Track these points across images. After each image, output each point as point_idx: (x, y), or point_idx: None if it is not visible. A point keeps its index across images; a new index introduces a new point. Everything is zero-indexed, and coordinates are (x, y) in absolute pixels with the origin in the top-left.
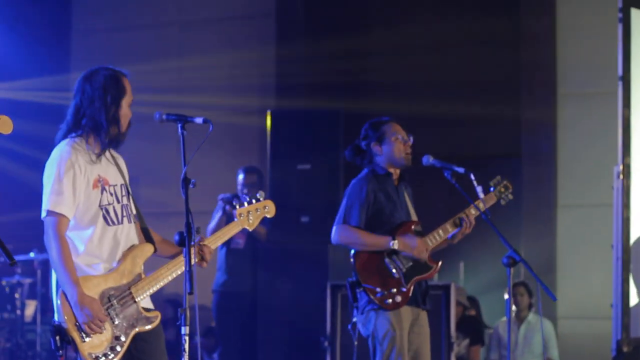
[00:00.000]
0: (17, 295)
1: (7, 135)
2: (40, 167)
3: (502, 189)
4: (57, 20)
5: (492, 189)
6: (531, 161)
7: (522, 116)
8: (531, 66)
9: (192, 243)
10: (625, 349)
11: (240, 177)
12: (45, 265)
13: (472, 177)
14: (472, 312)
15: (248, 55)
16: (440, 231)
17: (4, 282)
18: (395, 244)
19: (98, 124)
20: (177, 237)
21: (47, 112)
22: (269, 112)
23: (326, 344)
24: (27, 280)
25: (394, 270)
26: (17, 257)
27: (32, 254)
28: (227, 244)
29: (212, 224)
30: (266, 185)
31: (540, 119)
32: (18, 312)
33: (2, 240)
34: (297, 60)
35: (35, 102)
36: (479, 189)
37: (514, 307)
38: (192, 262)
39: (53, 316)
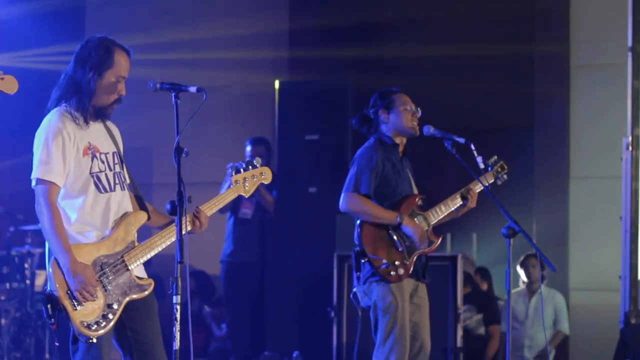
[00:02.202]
0: (26, 265)
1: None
2: None
3: (499, 169)
4: None
5: (489, 168)
6: (543, 133)
7: (535, 88)
8: (543, 38)
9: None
10: (633, 321)
11: (248, 148)
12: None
13: (472, 147)
14: (484, 286)
15: (260, 27)
16: (442, 206)
17: (13, 252)
18: (402, 221)
19: (78, 89)
20: (168, 206)
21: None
22: (277, 83)
23: (333, 314)
24: (37, 250)
25: (399, 243)
26: (28, 227)
27: None
28: (235, 214)
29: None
30: (274, 156)
31: (553, 91)
32: (28, 282)
33: None
34: (309, 30)
35: (47, 70)
36: (480, 159)
37: (525, 279)
38: (184, 231)
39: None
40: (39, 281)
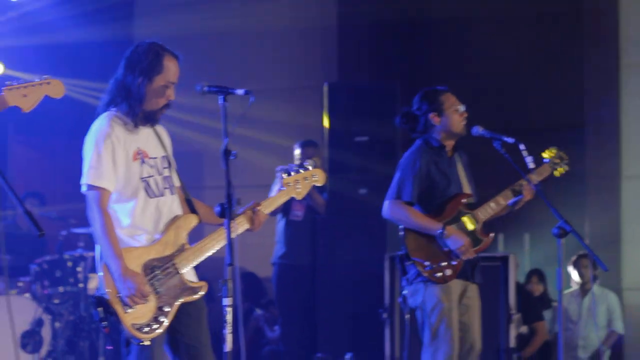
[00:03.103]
0: (79, 269)
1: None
2: None
3: (557, 160)
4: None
5: (546, 160)
6: (595, 132)
7: (586, 87)
8: (594, 37)
9: (233, 214)
10: None
11: (297, 151)
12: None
13: (522, 147)
14: (540, 289)
15: (309, 28)
16: (492, 204)
17: (66, 256)
18: (444, 234)
19: (128, 94)
20: (218, 209)
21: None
22: (326, 85)
23: (385, 315)
24: (90, 254)
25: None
26: (80, 230)
27: None
28: (286, 216)
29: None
30: (324, 158)
31: (604, 90)
32: (81, 285)
33: (30, 211)
34: (358, 33)
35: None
36: (529, 159)
37: (578, 279)
38: (235, 233)
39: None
40: (92, 284)
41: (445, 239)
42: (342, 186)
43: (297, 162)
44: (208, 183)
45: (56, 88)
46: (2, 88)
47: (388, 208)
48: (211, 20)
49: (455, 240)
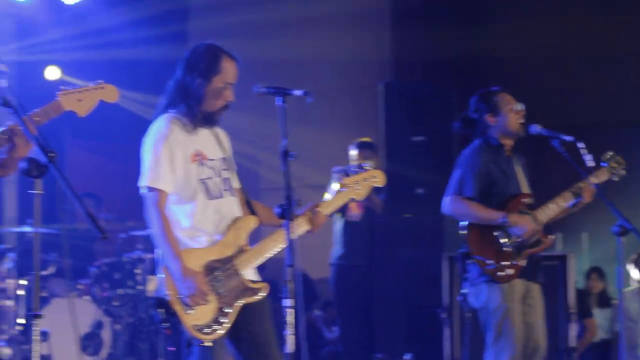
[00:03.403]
0: (138, 271)
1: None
2: None
3: (615, 165)
4: (175, 3)
5: (604, 164)
6: None
7: None
8: None
9: (294, 214)
10: None
11: (354, 152)
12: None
13: (580, 145)
14: (600, 286)
15: (363, 28)
16: (552, 205)
17: (125, 259)
18: (507, 222)
19: (187, 95)
20: (278, 210)
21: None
22: (383, 85)
23: (443, 315)
24: (148, 256)
25: (506, 243)
26: (138, 233)
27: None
28: (344, 216)
29: (328, 196)
30: (381, 158)
31: None
32: (140, 287)
33: (92, 213)
34: (412, 33)
35: (154, 79)
36: (588, 158)
37: (638, 278)
38: (295, 235)
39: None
40: (151, 286)
41: (509, 227)
42: (399, 186)
43: (353, 162)
44: (262, 185)
45: (110, 93)
46: (57, 93)
47: (449, 203)
48: (264, 21)
49: (521, 226)
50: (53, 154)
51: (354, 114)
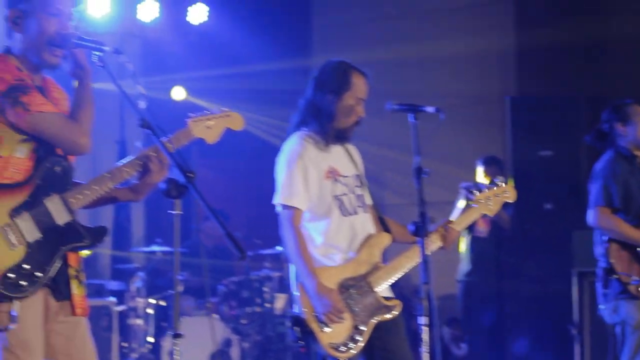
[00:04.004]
0: (266, 289)
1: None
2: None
3: None
4: (298, 18)
5: None
6: None
7: None
8: None
9: (427, 232)
10: None
11: (480, 167)
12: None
13: None
14: None
15: (486, 42)
16: None
17: (253, 277)
18: None
19: (318, 113)
20: (412, 228)
21: (288, 98)
22: (508, 99)
23: (574, 332)
24: (276, 274)
25: None
26: (265, 252)
27: (279, 248)
28: (471, 232)
29: (455, 213)
30: (507, 173)
31: None
32: (268, 305)
33: (232, 234)
34: (537, 46)
35: (277, 89)
36: None
37: None
38: (429, 251)
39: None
40: (279, 304)
41: None
42: (526, 201)
43: (479, 179)
44: (388, 201)
45: (236, 121)
46: (187, 120)
47: (595, 216)
48: (387, 38)
49: None
50: (192, 175)
51: (479, 129)
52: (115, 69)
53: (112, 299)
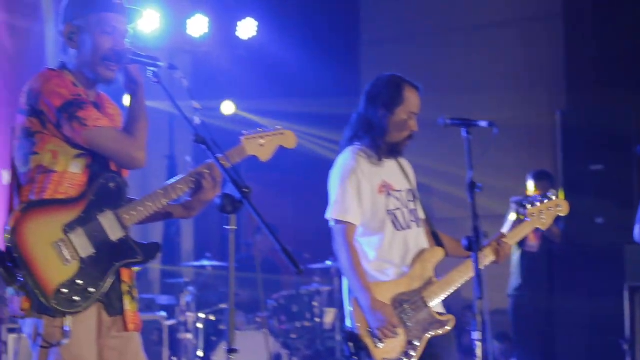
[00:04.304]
0: (315, 303)
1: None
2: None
3: None
4: (346, 33)
5: None
6: None
7: None
8: None
9: (481, 246)
10: None
11: (530, 182)
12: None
13: None
14: None
15: (536, 56)
16: None
17: (302, 291)
18: None
19: (371, 127)
20: (465, 242)
21: (335, 111)
22: (559, 113)
23: (626, 347)
24: (325, 288)
25: None
26: (315, 266)
27: (329, 262)
28: (521, 247)
29: (506, 227)
30: (558, 187)
31: None
32: (317, 319)
33: (287, 249)
34: (587, 60)
35: (328, 113)
36: None
37: None
38: (482, 266)
39: (345, 322)
40: (328, 319)
41: None
42: (577, 215)
43: (530, 193)
44: (438, 214)
45: (289, 139)
46: (241, 137)
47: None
48: (435, 54)
49: None
50: (248, 190)
51: (530, 143)
52: (167, 85)
53: (163, 314)
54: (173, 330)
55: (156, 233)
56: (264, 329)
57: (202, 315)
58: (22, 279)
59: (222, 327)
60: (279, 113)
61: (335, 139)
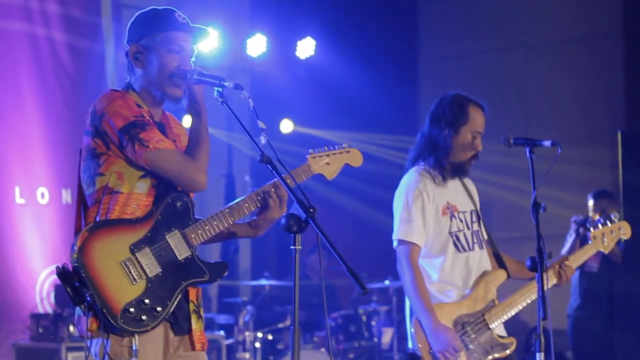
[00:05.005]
0: (373, 323)
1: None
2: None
3: None
4: (405, 50)
5: None
6: None
7: None
8: None
9: (546, 266)
10: None
11: (590, 202)
12: (401, 293)
13: None
14: None
15: (595, 76)
16: None
17: (360, 311)
18: None
19: (435, 147)
20: (529, 263)
21: (394, 129)
22: (619, 133)
23: None
24: (383, 308)
25: None
26: (373, 285)
27: (387, 282)
28: (581, 267)
29: (566, 247)
30: (619, 207)
31: None
32: (375, 339)
33: (353, 269)
34: None
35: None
36: None
37: None
38: (545, 287)
39: (407, 343)
40: (386, 339)
41: None
42: (639, 235)
43: (590, 213)
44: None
45: (355, 157)
46: (307, 156)
47: None
48: (491, 71)
49: None
50: (313, 210)
51: (589, 163)
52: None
53: (221, 333)
54: (231, 349)
55: (214, 251)
56: (322, 348)
57: (260, 335)
58: (89, 299)
59: (279, 346)
60: (337, 131)
61: (393, 154)
